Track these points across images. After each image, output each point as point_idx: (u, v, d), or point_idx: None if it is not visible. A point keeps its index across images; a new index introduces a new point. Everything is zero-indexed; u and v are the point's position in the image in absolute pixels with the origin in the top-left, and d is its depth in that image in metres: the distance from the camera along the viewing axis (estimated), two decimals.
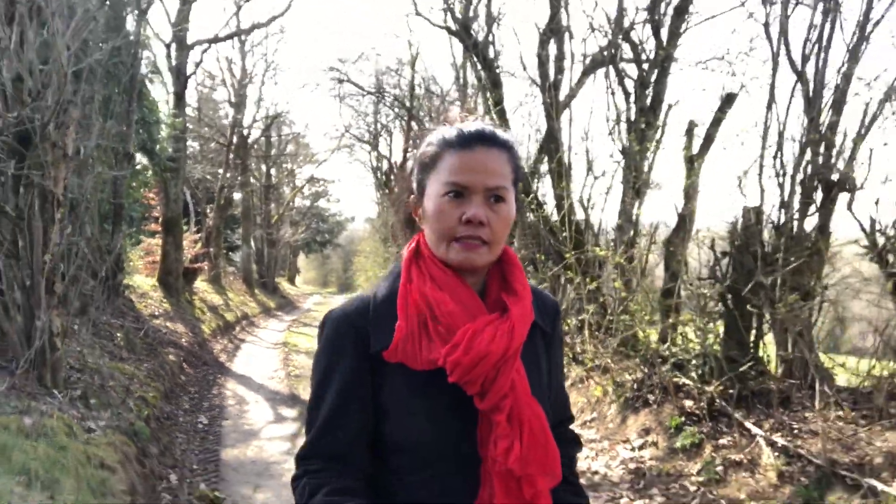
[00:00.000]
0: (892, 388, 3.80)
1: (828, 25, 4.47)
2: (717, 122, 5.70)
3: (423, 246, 1.12)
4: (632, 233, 6.24)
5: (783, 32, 4.79)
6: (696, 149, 6.08)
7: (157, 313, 10.14)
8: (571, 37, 7.67)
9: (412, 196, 1.15)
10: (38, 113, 3.87)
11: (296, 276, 40.95)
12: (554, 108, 6.78)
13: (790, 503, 3.50)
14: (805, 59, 4.54)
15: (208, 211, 17.37)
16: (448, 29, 8.47)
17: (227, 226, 22.03)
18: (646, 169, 6.29)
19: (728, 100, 5.68)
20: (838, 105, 4.51)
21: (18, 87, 3.86)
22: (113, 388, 4.75)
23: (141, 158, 10.85)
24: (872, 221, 4.18)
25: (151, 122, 10.57)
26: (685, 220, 5.91)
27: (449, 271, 1.07)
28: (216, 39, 13.42)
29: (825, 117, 4.53)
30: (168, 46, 11.84)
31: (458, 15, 8.23)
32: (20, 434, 3.18)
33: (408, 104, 15.14)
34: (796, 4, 4.83)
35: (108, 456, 3.32)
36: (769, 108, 4.78)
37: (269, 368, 9.52)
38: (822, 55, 4.54)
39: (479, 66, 8.02)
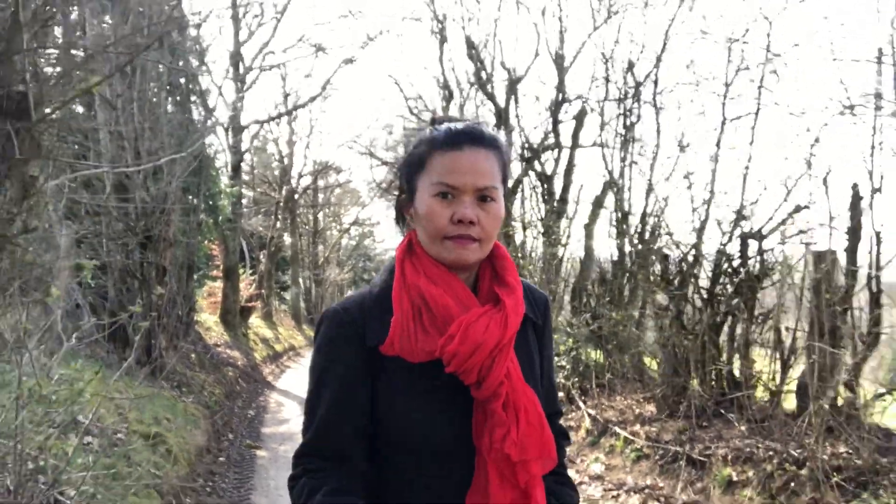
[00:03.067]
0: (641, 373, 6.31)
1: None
2: (598, 203, 8.35)
3: (415, 243, 1.16)
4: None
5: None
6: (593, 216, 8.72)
7: (219, 343, 13.23)
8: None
9: (402, 195, 1.20)
10: (153, 220, 6.92)
11: None
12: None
13: (585, 444, 6.05)
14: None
15: (261, 257, 20.70)
16: None
17: (278, 268, 25.44)
18: (563, 233, 8.93)
19: (605, 187, 8.30)
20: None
21: (145, 205, 6.94)
22: (193, 385, 7.69)
23: (206, 219, 14.11)
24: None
25: (214, 192, 13.83)
26: (585, 266, 8.52)
27: (442, 267, 1.12)
28: (266, 120, 16.84)
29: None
30: (226, 130, 15.24)
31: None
32: (150, 400, 6.09)
33: None
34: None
35: (196, 412, 6.21)
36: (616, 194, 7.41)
37: (305, 385, 12.40)
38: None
39: None
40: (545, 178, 8.97)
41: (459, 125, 1.13)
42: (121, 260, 6.36)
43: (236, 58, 14.81)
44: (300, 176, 24.01)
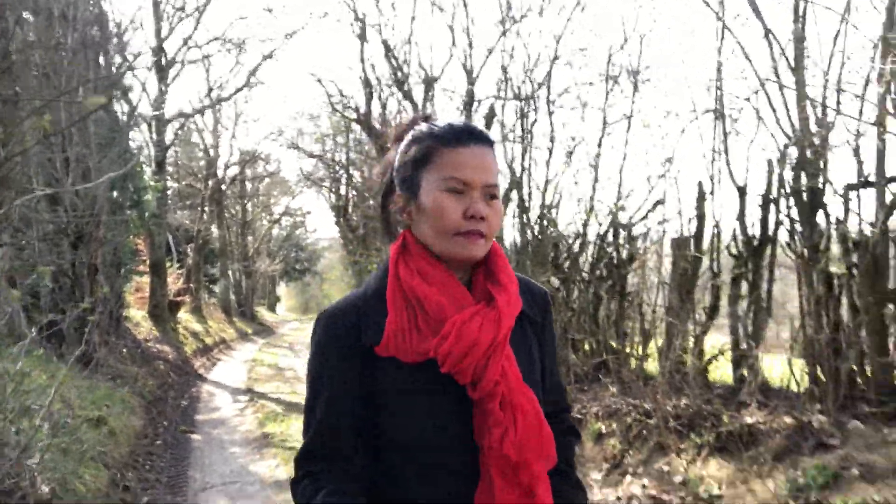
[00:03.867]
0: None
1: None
2: (505, 197, 9.22)
3: (410, 242, 1.17)
4: None
5: None
6: None
7: (148, 338, 13.47)
8: None
9: (398, 195, 1.19)
10: (85, 220, 7.30)
11: (276, 304, 43.85)
12: None
13: None
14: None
15: (188, 251, 20.75)
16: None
17: (206, 261, 25.37)
18: None
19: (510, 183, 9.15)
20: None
21: (74, 206, 7.30)
22: (126, 377, 8.11)
23: (131, 215, 14.21)
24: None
25: (139, 187, 13.95)
26: None
27: (439, 265, 1.13)
28: (190, 114, 16.94)
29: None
30: (149, 124, 15.31)
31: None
32: (89, 390, 6.53)
33: (345, 162, 18.70)
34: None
35: (132, 401, 6.71)
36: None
37: (236, 376, 12.85)
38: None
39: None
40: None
41: (459, 122, 1.16)
42: (53, 260, 6.74)
43: (158, 52, 14.88)
44: (227, 167, 24.04)
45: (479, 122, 10.07)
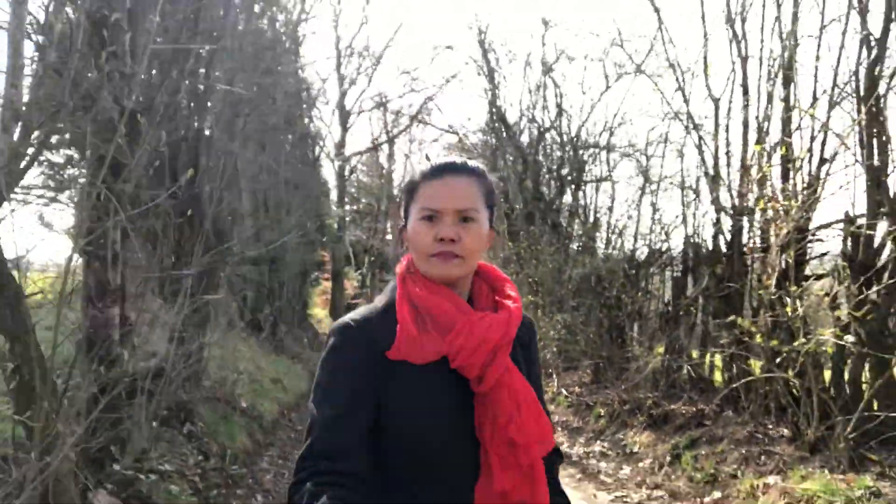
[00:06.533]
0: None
1: None
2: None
3: (411, 264, 1.33)
4: None
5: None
6: None
7: (327, 332, 17.40)
8: None
9: (401, 223, 1.37)
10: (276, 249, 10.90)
11: None
12: None
13: (548, 399, 9.27)
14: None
15: (365, 261, 25.03)
16: None
17: (383, 268, 29.80)
18: None
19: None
20: None
21: (269, 242, 10.95)
22: (303, 359, 11.65)
23: (317, 236, 18.36)
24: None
25: (323, 214, 18.00)
26: None
27: (437, 284, 1.27)
28: (366, 151, 21.02)
29: None
30: (333, 161, 19.46)
31: None
32: (274, 361, 10.02)
33: None
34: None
35: (303, 373, 10.10)
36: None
37: None
38: None
39: None
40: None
41: (444, 159, 1.31)
42: (254, 279, 10.35)
43: (340, 104, 18.96)
44: (402, 180, 28.02)
45: None
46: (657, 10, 7.33)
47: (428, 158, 1.36)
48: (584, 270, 8.77)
